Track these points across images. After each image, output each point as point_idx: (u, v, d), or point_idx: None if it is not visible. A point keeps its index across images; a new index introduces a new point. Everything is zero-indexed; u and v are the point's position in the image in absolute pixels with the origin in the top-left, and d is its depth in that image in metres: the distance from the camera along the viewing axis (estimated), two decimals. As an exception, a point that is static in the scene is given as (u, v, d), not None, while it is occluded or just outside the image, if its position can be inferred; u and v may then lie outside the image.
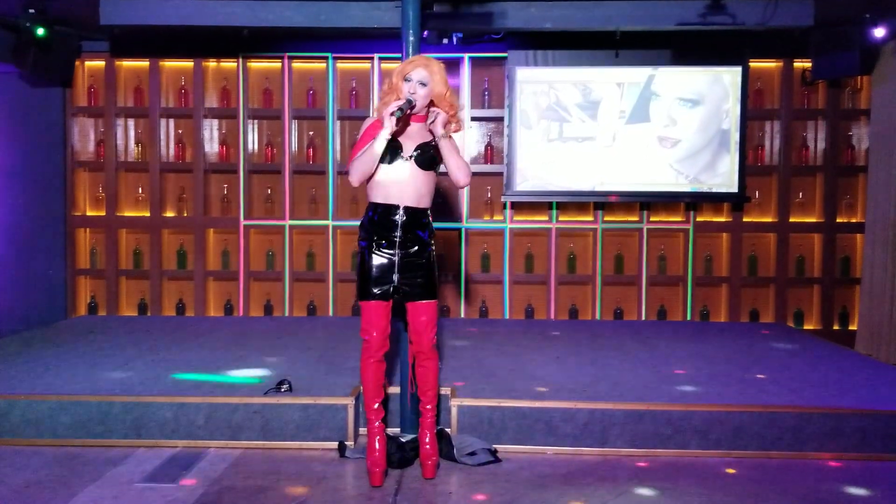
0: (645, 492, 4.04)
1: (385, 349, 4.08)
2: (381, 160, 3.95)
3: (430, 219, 4.14)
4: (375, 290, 4.01)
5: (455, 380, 5.15)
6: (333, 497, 3.92)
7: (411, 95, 3.93)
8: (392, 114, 3.86)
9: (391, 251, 4.02)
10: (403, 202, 4.00)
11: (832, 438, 4.58)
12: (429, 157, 4.02)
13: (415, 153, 3.99)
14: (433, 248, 4.14)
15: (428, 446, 4.18)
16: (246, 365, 5.54)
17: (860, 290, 7.48)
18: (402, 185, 3.99)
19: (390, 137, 3.91)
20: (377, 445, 4.07)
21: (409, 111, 3.94)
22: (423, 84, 3.96)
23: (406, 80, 3.96)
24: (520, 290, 7.92)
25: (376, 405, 4.10)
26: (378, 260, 4.02)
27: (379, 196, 4.02)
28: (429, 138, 4.04)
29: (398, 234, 4.01)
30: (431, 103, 4.04)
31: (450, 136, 4.03)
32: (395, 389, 4.82)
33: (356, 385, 4.89)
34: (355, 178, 3.96)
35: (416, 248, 4.05)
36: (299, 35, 7.34)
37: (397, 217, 4.00)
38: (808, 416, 4.59)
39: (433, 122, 3.99)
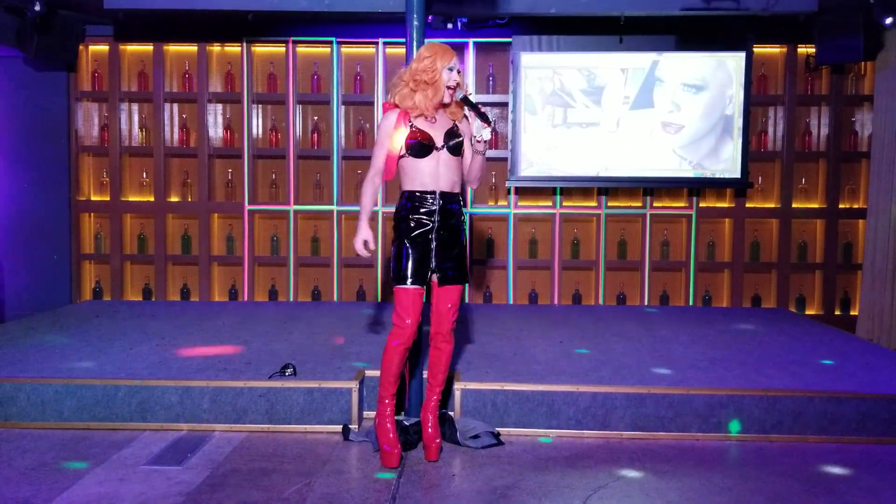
0: (646, 474, 4.07)
1: (415, 337, 4.14)
2: (416, 156, 4.05)
3: (462, 203, 4.20)
4: (413, 276, 4.06)
5: (459, 364, 5.18)
6: (338, 480, 3.95)
7: (456, 84, 4.07)
8: (461, 100, 4.08)
9: (428, 237, 4.07)
10: (439, 188, 4.07)
11: (832, 422, 4.62)
12: (459, 143, 4.12)
13: (447, 143, 4.08)
14: (466, 232, 4.22)
15: (431, 429, 4.22)
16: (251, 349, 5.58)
17: (862, 276, 7.49)
18: (436, 172, 4.07)
19: (422, 138, 4.03)
20: (390, 427, 4.13)
21: (475, 107, 4.04)
22: (459, 72, 4.11)
23: (449, 69, 4.05)
24: (524, 276, 7.94)
25: (394, 390, 4.17)
26: (415, 246, 4.07)
27: (415, 184, 4.08)
28: (451, 125, 4.14)
29: (435, 219, 4.06)
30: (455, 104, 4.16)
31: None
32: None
33: (360, 369, 4.93)
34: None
35: (451, 233, 4.12)
36: (304, 20, 7.35)
37: (433, 203, 4.06)
38: (809, 400, 4.62)
39: (479, 140, 4.05)
